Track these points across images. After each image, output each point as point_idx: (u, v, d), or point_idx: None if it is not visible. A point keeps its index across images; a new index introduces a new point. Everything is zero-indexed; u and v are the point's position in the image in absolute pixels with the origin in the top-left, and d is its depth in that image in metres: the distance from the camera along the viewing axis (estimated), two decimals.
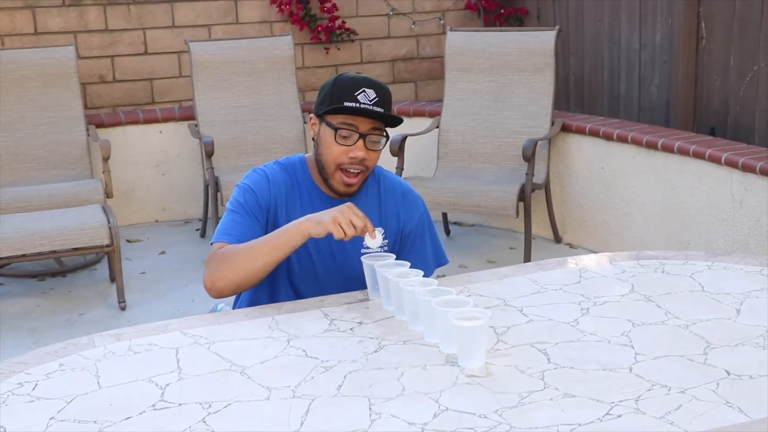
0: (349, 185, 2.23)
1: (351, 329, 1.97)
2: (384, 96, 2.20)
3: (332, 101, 2.19)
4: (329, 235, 2.11)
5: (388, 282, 2.03)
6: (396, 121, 2.22)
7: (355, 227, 2.05)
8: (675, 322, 1.96)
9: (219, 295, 2.15)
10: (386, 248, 2.28)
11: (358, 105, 2.16)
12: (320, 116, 2.24)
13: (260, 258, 2.12)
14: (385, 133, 2.23)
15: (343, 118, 2.19)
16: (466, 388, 1.68)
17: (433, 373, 1.75)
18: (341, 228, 2.05)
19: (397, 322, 2.00)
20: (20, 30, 5.24)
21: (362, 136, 2.19)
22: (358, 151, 2.19)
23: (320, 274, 2.27)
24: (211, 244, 2.23)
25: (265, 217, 2.24)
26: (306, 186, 2.29)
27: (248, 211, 2.22)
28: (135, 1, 5.41)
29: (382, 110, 2.18)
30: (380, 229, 2.13)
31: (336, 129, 2.19)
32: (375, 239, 2.08)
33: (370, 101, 2.17)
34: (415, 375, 1.74)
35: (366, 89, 2.17)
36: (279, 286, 2.27)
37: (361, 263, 2.15)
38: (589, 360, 1.78)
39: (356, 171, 2.21)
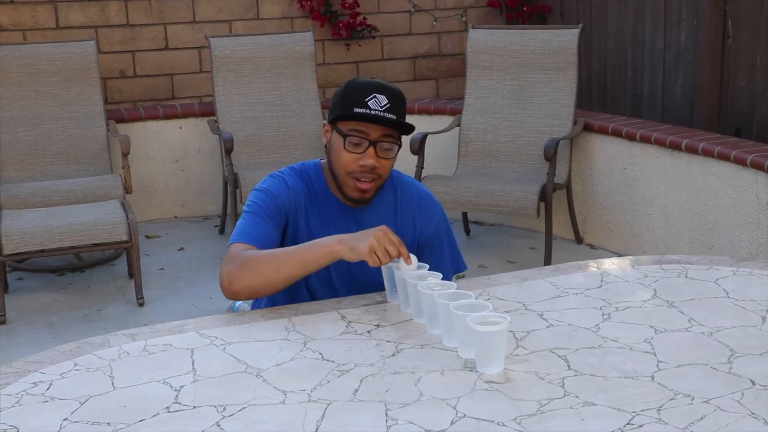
0: (362, 191, 2.17)
1: (368, 332, 1.95)
2: (396, 102, 2.13)
3: (342, 107, 2.13)
4: None
5: (407, 284, 2.00)
6: (408, 129, 2.16)
7: (390, 255, 1.99)
8: (699, 329, 1.93)
9: (234, 297, 2.10)
10: None
11: (368, 111, 2.09)
12: (332, 123, 2.18)
13: (283, 270, 2.05)
14: (397, 141, 2.17)
15: (353, 125, 2.13)
16: (485, 395, 1.65)
17: (451, 379, 1.72)
18: (377, 257, 1.98)
19: (414, 326, 1.97)
20: (42, 24, 5.25)
21: (372, 143, 2.13)
22: (369, 159, 2.12)
23: (337, 286, 2.24)
24: (230, 245, 2.16)
25: (283, 221, 2.19)
26: (322, 194, 2.24)
27: (267, 213, 2.17)
28: None
29: (393, 117, 2.11)
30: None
31: (345, 136, 2.13)
32: (410, 265, 2.01)
33: (381, 107, 2.10)
34: (432, 380, 1.71)
35: (377, 95, 2.11)
36: (297, 291, 2.22)
37: (377, 277, 2.11)
38: (610, 367, 1.75)
39: (368, 179, 2.15)
